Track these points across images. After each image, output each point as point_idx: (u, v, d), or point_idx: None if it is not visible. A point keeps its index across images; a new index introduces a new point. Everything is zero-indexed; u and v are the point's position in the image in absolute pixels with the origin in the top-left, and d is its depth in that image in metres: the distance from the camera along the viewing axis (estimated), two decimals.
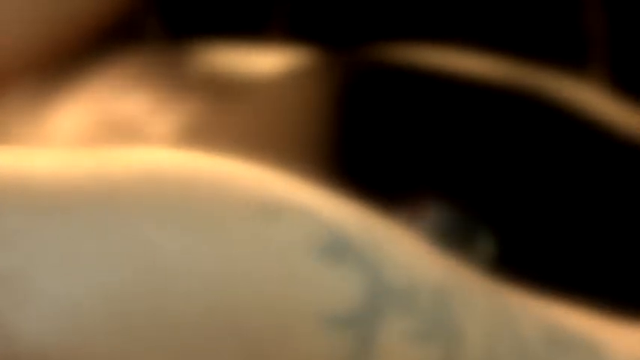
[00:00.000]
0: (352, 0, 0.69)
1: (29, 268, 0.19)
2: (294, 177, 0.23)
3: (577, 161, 0.35)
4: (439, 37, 0.66)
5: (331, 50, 0.43)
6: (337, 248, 0.22)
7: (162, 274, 0.20)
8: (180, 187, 0.21)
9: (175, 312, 0.20)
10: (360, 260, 0.22)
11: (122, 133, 0.45)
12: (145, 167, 0.21)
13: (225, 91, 0.44)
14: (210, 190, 0.21)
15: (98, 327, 0.19)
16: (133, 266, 0.20)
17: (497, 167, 0.36)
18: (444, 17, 0.66)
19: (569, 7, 0.59)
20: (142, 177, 0.21)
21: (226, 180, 0.21)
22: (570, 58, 0.60)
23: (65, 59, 0.42)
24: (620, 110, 0.36)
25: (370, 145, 0.38)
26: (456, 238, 0.36)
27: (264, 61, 0.46)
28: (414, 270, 0.23)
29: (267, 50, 0.48)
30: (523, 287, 0.34)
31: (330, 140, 0.39)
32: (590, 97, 0.37)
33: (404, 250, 0.24)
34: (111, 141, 0.45)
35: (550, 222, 0.35)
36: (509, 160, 0.36)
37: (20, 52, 0.39)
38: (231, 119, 0.41)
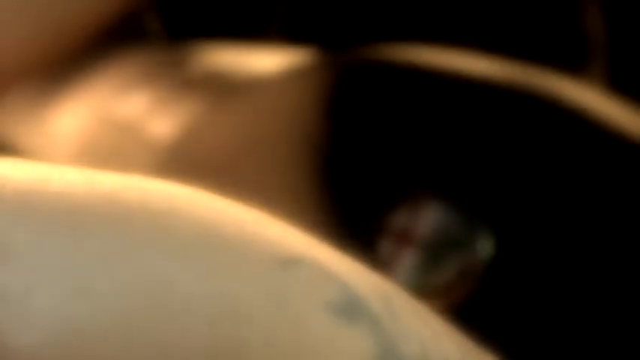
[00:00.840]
0: (352, 4, 0.69)
1: (30, 282, 0.19)
2: (314, 235, 0.23)
3: (577, 160, 0.35)
4: (437, 41, 0.66)
5: (329, 52, 0.43)
6: (351, 308, 0.21)
7: (169, 308, 0.20)
8: (199, 226, 0.21)
9: (176, 347, 0.20)
10: (374, 324, 0.22)
11: (122, 133, 0.45)
12: (165, 200, 0.21)
13: (224, 91, 0.44)
14: (230, 234, 0.21)
15: (92, 349, 0.19)
16: (137, 296, 0.19)
17: (496, 167, 0.36)
18: (443, 20, 0.66)
19: (569, 9, 0.59)
20: (161, 209, 0.20)
21: (249, 227, 0.21)
22: (570, 59, 0.60)
23: (66, 59, 0.42)
24: (620, 110, 0.36)
25: (369, 144, 0.38)
26: (456, 238, 0.36)
27: (262, 62, 0.46)
28: (428, 342, 0.23)
29: (266, 51, 0.48)
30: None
31: (329, 139, 0.39)
32: (590, 97, 0.37)
33: (419, 321, 0.23)
34: (111, 140, 0.45)
35: (549, 221, 0.35)
36: (509, 159, 0.36)
37: (22, 55, 0.39)
38: (230, 119, 0.41)
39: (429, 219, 0.36)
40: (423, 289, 0.36)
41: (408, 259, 0.36)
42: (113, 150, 0.45)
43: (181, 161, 0.41)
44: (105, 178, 0.21)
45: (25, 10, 0.37)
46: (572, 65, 0.59)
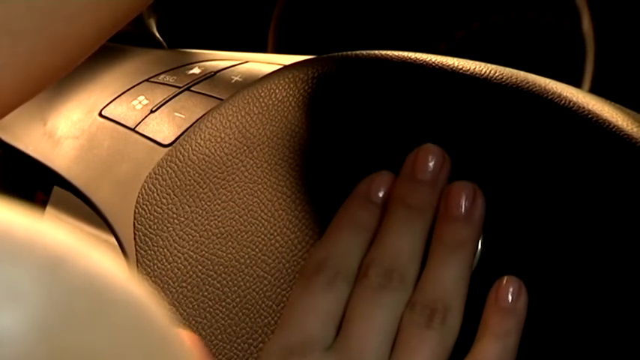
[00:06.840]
0: (345, 19, 0.70)
1: None
2: None
3: (577, 160, 0.35)
4: (435, 49, 0.66)
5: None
6: None
7: None
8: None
9: None
10: None
11: (122, 132, 0.45)
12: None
13: (225, 91, 0.44)
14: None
15: None
16: None
17: (495, 166, 0.36)
18: (442, 25, 0.67)
19: (567, 12, 0.59)
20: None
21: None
22: (567, 62, 0.61)
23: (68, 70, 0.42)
24: (620, 109, 0.36)
25: (367, 142, 0.38)
26: None
27: (258, 66, 0.46)
28: None
29: (262, 57, 0.48)
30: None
31: (327, 139, 0.39)
32: (589, 96, 0.37)
33: None
34: (111, 141, 0.46)
35: (543, 219, 0.35)
36: (508, 159, 0.36)
37: (26, 87, 0.38)
38: (230, 119, 0.42)
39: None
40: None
41: None
42: (113, 150, 0.45)
43: (181, 161, 0.42)
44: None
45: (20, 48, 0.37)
46: (569, 67, 0.59)
